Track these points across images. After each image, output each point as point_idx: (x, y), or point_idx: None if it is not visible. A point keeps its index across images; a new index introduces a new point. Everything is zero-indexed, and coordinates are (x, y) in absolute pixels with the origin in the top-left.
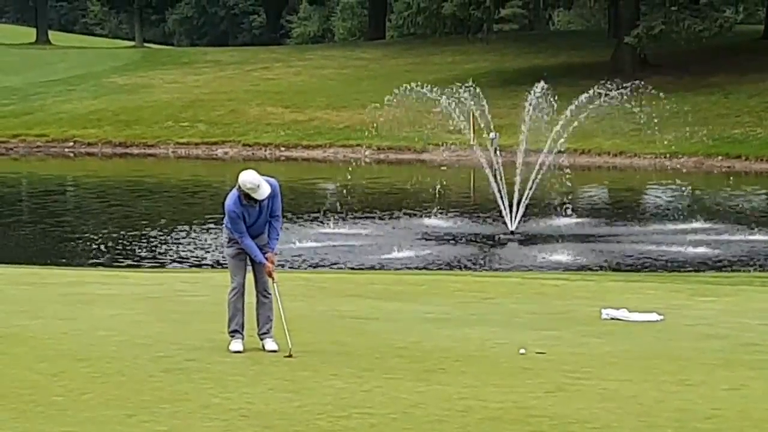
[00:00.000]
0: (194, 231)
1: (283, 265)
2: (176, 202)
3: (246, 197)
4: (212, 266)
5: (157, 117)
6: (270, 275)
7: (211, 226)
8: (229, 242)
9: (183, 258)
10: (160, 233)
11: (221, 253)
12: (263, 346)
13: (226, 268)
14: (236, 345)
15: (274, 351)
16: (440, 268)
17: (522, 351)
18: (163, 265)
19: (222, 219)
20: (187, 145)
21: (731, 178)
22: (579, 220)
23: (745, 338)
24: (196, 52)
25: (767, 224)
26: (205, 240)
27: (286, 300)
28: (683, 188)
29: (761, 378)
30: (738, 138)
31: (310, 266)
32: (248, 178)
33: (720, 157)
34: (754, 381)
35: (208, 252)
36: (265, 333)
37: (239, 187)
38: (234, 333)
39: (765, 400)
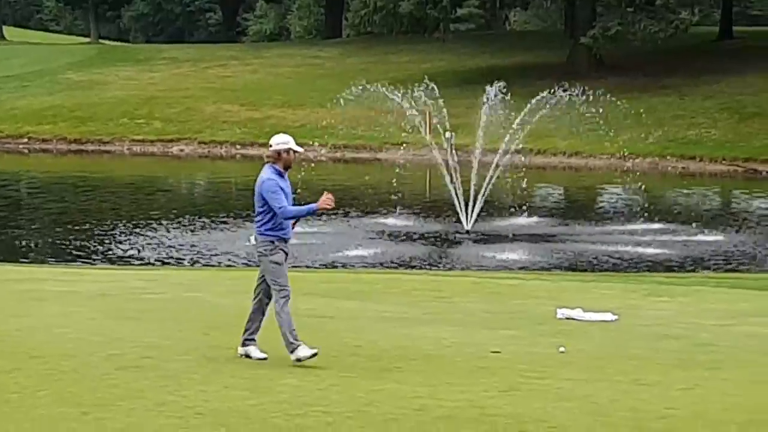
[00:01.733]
0: (149, 228)
1: (238, 263)
2: (130, 199)
3: (284, 166)
4: (167, 264)
5: (113, 114)
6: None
7: (165, 223)
8: (272, 249)
9: (139, 255)
10: (114, 230)
11: (175, 249)
12: (248, 354)
13: (176, 266)
14: (307, 350)
15: (264, 359)
16: (396, 267)
17: (562, 349)
18: (118, 263)
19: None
20: (143, 143)
21: (687, 180)
22: (534, 219)
23: (700, 338)
24: (151, 49)
25: (721, 225)
26: (161, 237)
27: (242, 298)
28: (638, 189)
29: (715, 378)
30: (693, 139)
31: None
32: (280, 138)
33: (675, 158)
34: (708, 381)
35: (164, 249)
36: (253, 339)
37: (275, 156)
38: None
39: (719, 400)
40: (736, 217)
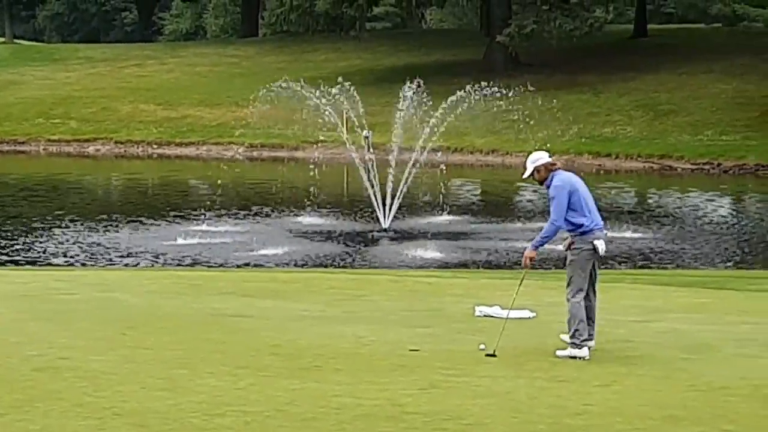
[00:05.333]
0: (65, 229)
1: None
2: (46, 200)
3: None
4: (83, 264)
5: (28, 114)
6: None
7: (81, 223)
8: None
9: (55, 256)
10: (30, 231)
11: (91, 250)
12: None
13: (92, 266)
14: (585, 351)
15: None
16: (314, 266)
17: (482, 347)
18: (34, 264)
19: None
20: (59, 142)
21: (604, 177)
22: (452, 217)
23: (617, 335)
24: (67, 48)
25: (636, 221)
26: (77, 237)
27: (158, 298)
28: None
29: (632, 374)
30: (608, 136)
31: (183, 264)
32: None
33: (591, 155)
34: (625, 377)
35: (80, 249)
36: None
37: (551, 166)
38: (586, 340)
39: (636, 396)
40: (652, 214)
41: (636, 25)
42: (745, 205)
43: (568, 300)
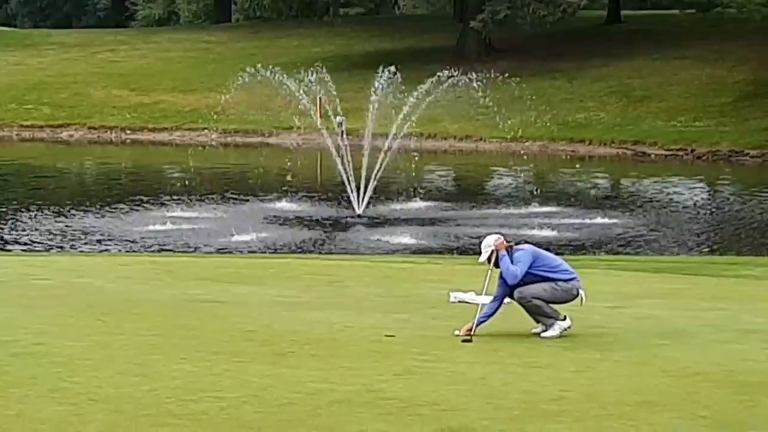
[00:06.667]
0: (37, 214)
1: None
2: (18, 185)
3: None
4: (56, 249)
5: (0, 99)
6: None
7: (54, 208)
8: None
9: (27, 241)
10: (1, 216)
11: (64, 235)
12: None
13: (65, 251)
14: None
15: None
16: (289, 252)
17: (457, 333)
18: (5, 249)
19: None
20: (32, 128)
21: (578, 163)
22: (426, 203)
23: (591, 321)
24: (39, 34)
25: (610, 208)
26: (50, 223)
27: (132, 284)
28: (529, 172)
29: (607, 360)
30: (582, 123)
31: (157, 249)
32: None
33: (564, 142)
34: (599, 363)
35: (53, 234)
36: None
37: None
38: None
39: (610, 382)
40: (625, 200)
41: (610, 11)
42: (719, 191)
43: (527, 302)
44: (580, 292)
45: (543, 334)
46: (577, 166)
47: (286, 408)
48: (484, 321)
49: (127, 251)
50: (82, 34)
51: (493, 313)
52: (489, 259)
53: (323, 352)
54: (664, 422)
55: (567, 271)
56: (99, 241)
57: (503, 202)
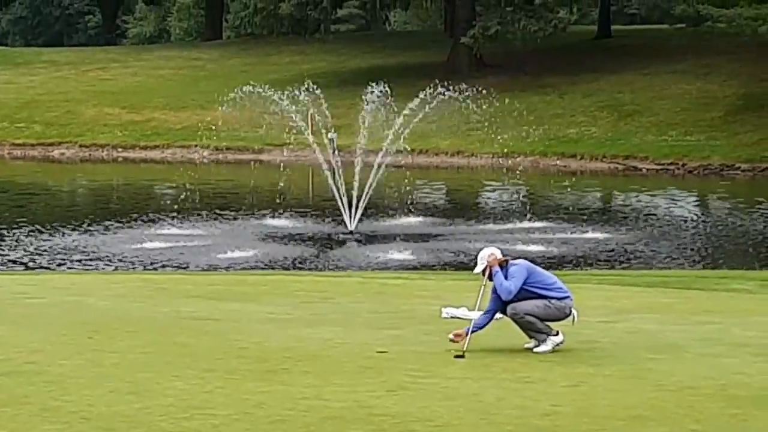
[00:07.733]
0: (30, 232)
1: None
2: (10, 204)
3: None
4: (49, 268)
5: None
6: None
7: (47, 227)
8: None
9: (20, 260)
10: None
11: (56, 253)
12: None
13: (58, 270)
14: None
15: None
16: (281, 269)
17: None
18: None
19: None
20: (23, 146)
21: (569, 178)
22: (417, 219)
23: (583, 335)
24: (30, 52)
25: (602, 222)
26: (42, 241)
27: (124, 302)
28: (520, 187)
29: (599, 374)
30: (573, 137)
31: (149, 267)
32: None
33: (556, 157)
34: (592, 377)
35: (45, 253)
36: None
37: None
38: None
39: (603, 397)
40: (617, 215)
41: (600, 26)
42: (710, 205)
43: (520, 318)
44: (573, 311)
45: (535, 350)
46: (567, 183)
47: (278, 425)
48: (475, 331)
49: (120, 269)
50: (73, 52)
51: (484, 325)
52: (483, 271)
53: (316, 368)
54: None
55: (561, 289)
56: (91, 259)
57: (495, 217)
